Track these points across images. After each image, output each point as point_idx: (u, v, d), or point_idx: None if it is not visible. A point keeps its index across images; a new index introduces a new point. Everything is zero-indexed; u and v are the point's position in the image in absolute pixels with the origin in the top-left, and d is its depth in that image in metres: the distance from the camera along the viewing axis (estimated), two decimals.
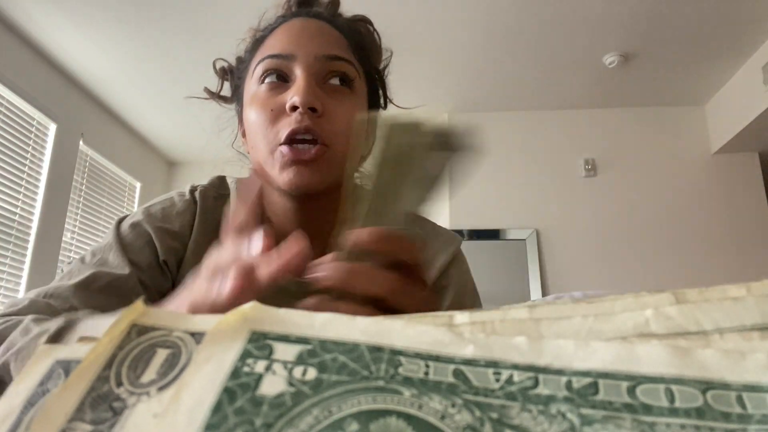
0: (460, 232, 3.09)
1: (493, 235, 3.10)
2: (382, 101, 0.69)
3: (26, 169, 2.74)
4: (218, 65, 0.67)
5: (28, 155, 2.75)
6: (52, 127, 2.91)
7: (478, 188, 3.19)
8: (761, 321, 0.18)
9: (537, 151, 3.25)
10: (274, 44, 0.57)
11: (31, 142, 2.77)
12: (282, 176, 0.54)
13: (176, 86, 2.98)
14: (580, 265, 3.02)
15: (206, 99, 0.69)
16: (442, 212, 3.17)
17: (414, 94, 3.07)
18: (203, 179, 0.69)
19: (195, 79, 3.12)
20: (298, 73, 0.54)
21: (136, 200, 3.77)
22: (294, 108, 0.52)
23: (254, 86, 0.57)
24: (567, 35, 2.61)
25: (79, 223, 3.17)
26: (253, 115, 0.56)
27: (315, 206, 0.59)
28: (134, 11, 2.46)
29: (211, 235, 0.61)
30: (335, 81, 0.56)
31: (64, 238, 2.99)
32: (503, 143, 3.28)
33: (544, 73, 2.93)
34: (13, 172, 2.64)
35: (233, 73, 0.65)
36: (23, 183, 2.72)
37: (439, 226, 0.70)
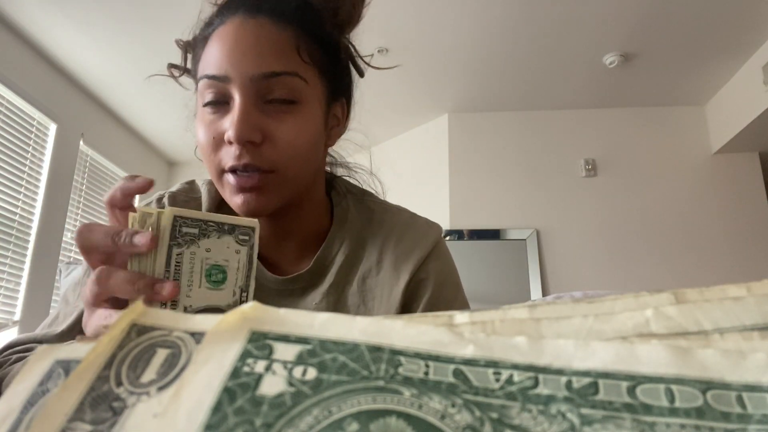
0: (460, 232, 3.09)
1: (493, 235, 3.10)
2: (357, 70, 0.65)
3: (26, 169, 2.74)
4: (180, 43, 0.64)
5: (29, 155, 2.75)
6: (53, 127, 2.91)
7: (478, 188, 3.19)
8: (761, 321, 0.18)
9: (537, 151, 3.25)
10: (210, 59, 0.53)
11: (31, 142, 2.77)
12: (232, 201, 0.53)
13: (176, 86, 2.97)
14: (580, 265, 3.02)
15: (168, 76, 0.67)
16: (442, 212, 3.17)
17: (414, 94, 3.07)
18: (203, 179, 0.69)
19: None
20: (236, 96, 0.51)
21: (136, 200, 3.76)
22: (230, 142, 0.51)
23: (200, 101, 0.54)
24: (567, 35, 2.61)
25: (80, 223, 3.17)
26: (199, 134, 0.54)
27: (281, 213, 0.58)
28: (134, 11, 2.46)
29: None
30: (277, 98, 0.52)
31: (64, 238, 2.99)
32: (503, 143, 3.28)
33: (544, 73, 2.93)
34: (13, 172, 2.64)
35: (191, 54, 0.62)
36: (23, 183, 2.72)
37: (418, 216, 0.67)
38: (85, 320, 0.39)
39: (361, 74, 0.66)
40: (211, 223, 0.39)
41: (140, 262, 0.38)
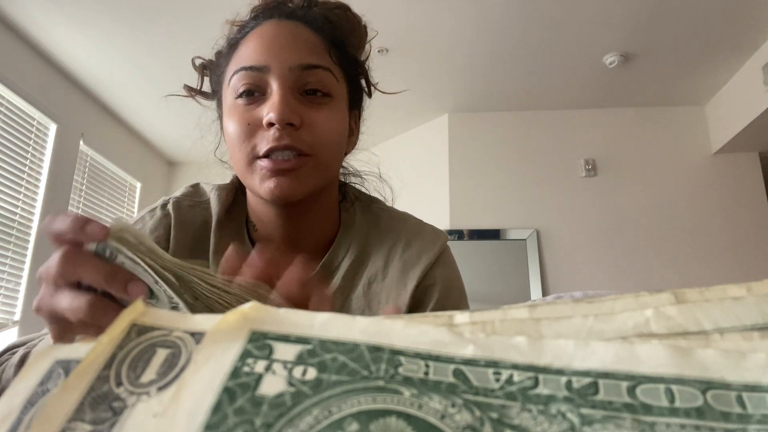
0: (460, 232, 3.09)
1: (493, 235, 3.10)
2: (366, 91, 0.68)
3: (26, 169, 2.74)
4: (197, 63, 0.66)
5: (29, 155, 2.75)
6: (53, 127, 2.91)
7: (478, 188, 3.19)
8: (761, 321, 0.18)
9: (537, 151, 3.25)
10: (247, 54, 0.56)
11: (31, 142, 2.77)
12: (263, 187, 0.54)
13: (177, 86, 2.97)
14: (580, 265, 3.01)
15: (185, 96, 0.68)
16: (442, 212, 3.17)
17: (414, 94, 3.07)
18: (203, 179, 0.69)
19: (195, 79, 3.11)
20: (274, 85, 0.53)
21: (137, 200, 3.77)
22: (271, 124, 0.52)
23: (231, 97, 0.56)
24: (567, 35, 2.60)
25: None
26: (231, 127, 0.55)
27: (298, 211, 0.59)
28: (134, 11, 2.46)
29: (190, 243, 0.60)
30: (313, 91, 0.55)
31: None
32: (503, 143, 3.28)
33: (544, 73, 2.93)
34: (13, 172, 2.64)
35: (212, 70, 0.64)
36: (24, 183, 2.72)
37: (425, 224, 0.69)
38: (44, 298, 0.34)
39: (369, 94, 0.68)
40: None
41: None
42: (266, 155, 0.53)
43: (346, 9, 0.63)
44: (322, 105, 0.55)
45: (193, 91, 0.67)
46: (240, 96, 0.55)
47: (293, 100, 0.53)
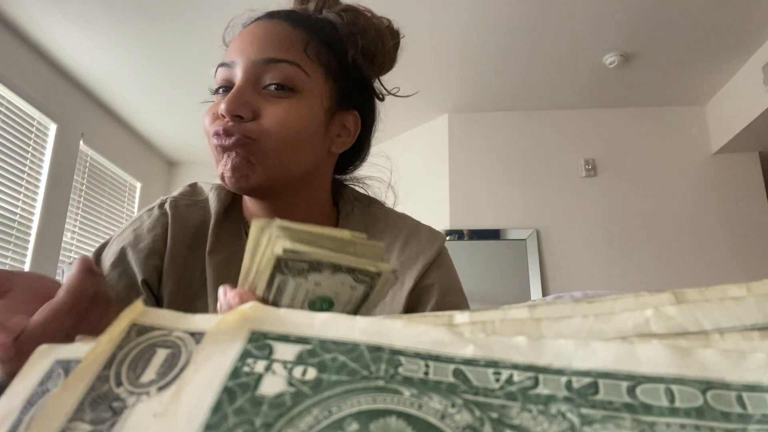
0: (460, 232, 3.09)
1: (493, 235, 3.10)
2: (377, 93, 0.68)
3: (26, 169, 2.74)
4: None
5: (29, 155, 2.75)
6: (53, 127, 2.91)
7: (478, 188, 3.19)
8: (761, 321, 0.18)
9: (537, 151, 3.25)
10: (227, 53, 0.59)
11: (31, 142, 2.77)
12: (219, 173, 0.55)
13: (177, 86, 2.98)
14: (580, 265, 3.01)
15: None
16: (442, 212, 3.17)
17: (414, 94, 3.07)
18: (202, 179, 0.69)
19: (195, 79, 3.12)
20: (237, 79, 0.56)
21: (137, 200, 3.77)
22: (223, 115, 0.54)
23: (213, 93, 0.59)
24: (567, 35, 2.60)
25: (80, 223, 3.17)
26: (205, 120, 0.58)
27: (284, 208, 0.60)
28: (134, 11, 2.46)
29: (187, 242, 0.61)
30: (273, 85, 0.55)
31: (64, 239, 2.99)
32: (503, 143, 3.28)
33: (544, 73, 2.93)
34: (13, 172, 2.64)
35: None
36: (23, 183, 2.72)
37: (422, 225, 0.69)
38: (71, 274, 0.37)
39: (380, 98, 0.69)
40: (325, 264, 0.33)
41: (246, 278, 0.35)
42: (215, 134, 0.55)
43: (356, 12, 0.64)
44: (283, 99, 0.56)
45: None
46: (216, 91, 0.58)
47: (249, 93, 0.55)
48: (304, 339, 0.19)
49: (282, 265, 0.33)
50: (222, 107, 0.53)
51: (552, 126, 3.28)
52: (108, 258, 0.59)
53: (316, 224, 0.35)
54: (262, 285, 0.34)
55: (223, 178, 0.55)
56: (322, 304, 0.35)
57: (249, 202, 0.63)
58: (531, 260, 3.02)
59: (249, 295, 0.34)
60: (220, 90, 0.58)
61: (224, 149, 0.54)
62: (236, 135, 0.53)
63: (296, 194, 0.60)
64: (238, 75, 0.56)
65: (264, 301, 0.34)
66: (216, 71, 0.59)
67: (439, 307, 0.62)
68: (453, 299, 0.64)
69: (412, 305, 0.62)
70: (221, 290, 0.35)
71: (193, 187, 0.67)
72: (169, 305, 0.58)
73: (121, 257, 0.59)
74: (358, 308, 0.36)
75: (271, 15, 0.60)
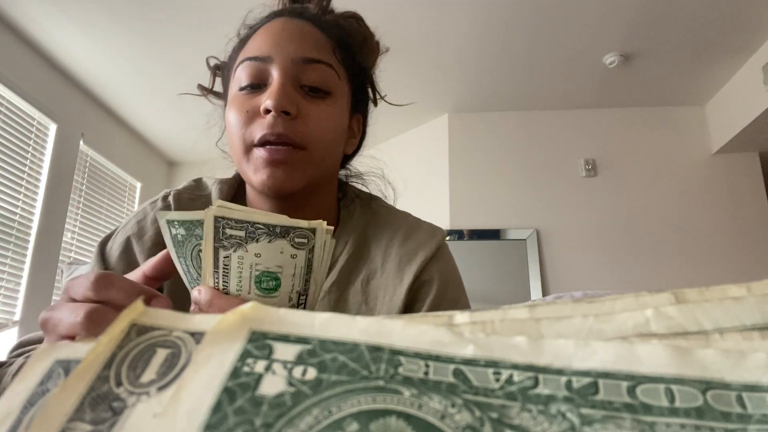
0: (460, 232, 3.09)
1: (493, 235, 3.10)
2: (371, 98, 0.69)
3: (26, 169, 2.74)
4: (211, 62, 0.68)
5: (29, 155, 2.75)
6: (53, 127, 2.91)
7: (478, 188, 3.19)
8: (761, 321, 0.18)
9: (537, 151, 3.25)
10: (253, 46, 0.57)
11: (31, 142, 2.77)
12: (256, 177, 0.54)
13: (176, 86, 2.98)
14: (580, 265, 3.01)
15: (199, 95, 0.69)
16: (442, 212, 3.17)
17: (414, 94, 3.07)
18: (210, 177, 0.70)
19: (195, 78, 3.11)
20: (275, 75, 0.54)
21: (137, 200, 3.77)
22: (267, 111, 0.53)
23: (235, 88, 0.57)
24: (567, 35, 2.60)
25: (80, 223, 3.17)
26: (230, 116, 0.56)
27: (295, 206, 0.60)
28: (134, 11, 2.46)
29: None
30: (312, 84, 0.56)
31: (64, 238, 2.99)
32: (503, 143, 3.28)
33: (544, 73, 2.93)
34: (13, 172, 2.64)
35: (224, 70, 0.66)
36: (23, 183, 2.72)
37: (422, 221, 0.69)
38: (56, 311, 0.35)
39: (375, 102, 0.69)
40: (259, 226, 0.34)
41: (188, 263, 0.36)
42: (261, 144, 0.53)
43: (360, 20, 0.65)
44: (321, 100, 0.56)
45: (205, 90, 0.68)
46: (243, 87, 0.56)
47: (292, 90, 0.54)
48: (304, 339, 0.19)
49: (221, 236, 0.34)
50: (269, 102, 0.52)
51: (552, 126, 3.28)
52: (114, 249, 0.59)
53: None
54: (210, 268, 0.34)
55: (262, 184, 0.54)
56: (269, 281, 0.35)
57: (255, 198, 0.62)
58: (531, 260, 3.02)
59: (206, 289, 0.35)
60: (248, 86, 0.56)
61: (275, 164, 0.53)
62: (287, 149, 0.52)
63: (310, 193, 0.60)
64: (274, 71, 0.55)
65: (217, 289, 0.35)
66: (236, 67, 0.57)
67: (438, 302, 0.62)
68: (453, 294, 0.64)
69: (411, 300, 0.62)
70: (194, 292, 0.36)
71: (198, 182, 0.67)
72: (169, 297, 0.58)
73: (127, 249, 0.59)
74: (306, 282, 0.36)
75: (299, 14, 0.60)
